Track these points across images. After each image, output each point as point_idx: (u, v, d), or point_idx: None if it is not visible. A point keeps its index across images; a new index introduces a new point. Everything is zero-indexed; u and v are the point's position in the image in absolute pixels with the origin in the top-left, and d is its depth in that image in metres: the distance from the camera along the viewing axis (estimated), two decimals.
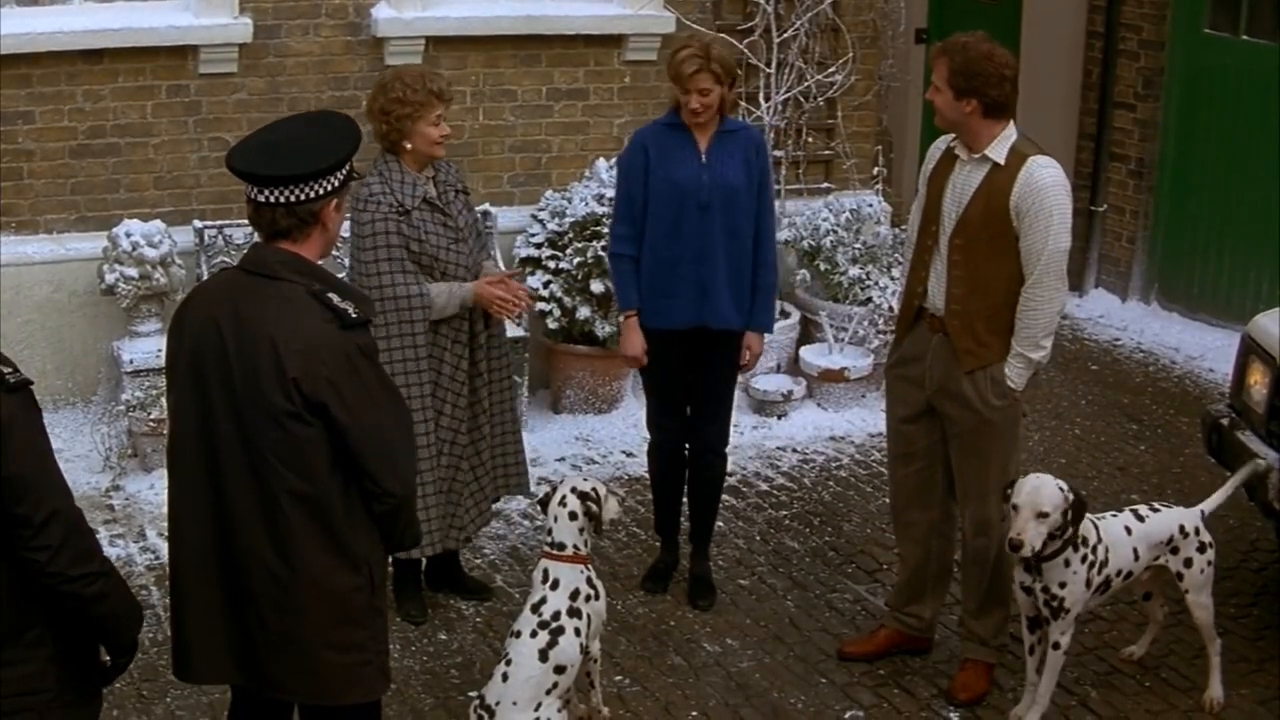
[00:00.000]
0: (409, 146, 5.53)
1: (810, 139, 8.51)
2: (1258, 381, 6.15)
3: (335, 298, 3.78)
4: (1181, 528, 5.52)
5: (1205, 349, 9.30)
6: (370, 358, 3.81)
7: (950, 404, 5.41)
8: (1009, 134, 5.19)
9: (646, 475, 7.22)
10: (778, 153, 8.34)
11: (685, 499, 6.25)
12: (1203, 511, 5.63)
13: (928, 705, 5.56)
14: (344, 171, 3.88)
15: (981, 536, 5.49)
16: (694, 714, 5.43)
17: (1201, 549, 5.52)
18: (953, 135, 5.32)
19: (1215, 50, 9.57)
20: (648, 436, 7.46)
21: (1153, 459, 7.76)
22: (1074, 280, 10.42)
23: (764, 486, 7.20)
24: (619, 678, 5.63)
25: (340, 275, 4.82)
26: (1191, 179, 9.85)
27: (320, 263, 3.94)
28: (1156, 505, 5.68)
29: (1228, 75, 9.50)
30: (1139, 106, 9.99)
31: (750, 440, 7.69)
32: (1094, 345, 9.51)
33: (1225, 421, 6.28)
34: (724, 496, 7.05)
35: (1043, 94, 10.60)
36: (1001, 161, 5.16)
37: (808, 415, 7.94)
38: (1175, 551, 5.50)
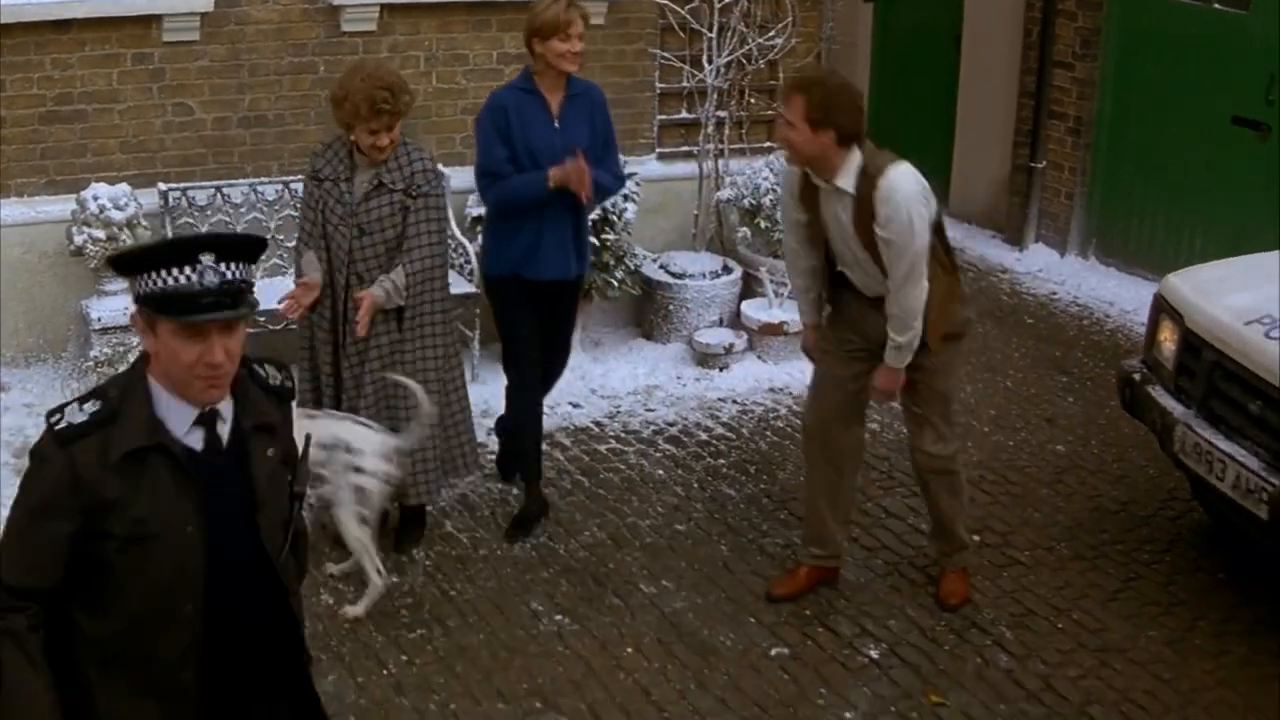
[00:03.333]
0: (353, 139, 5.88)
1: (753, 100, 8.82)
2: (1167, 339, 6.50)
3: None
4: None
5: (1140, 302, 9.56)
6: None
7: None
8: (855, 159, 5.54)
9: (592, 425, 7.61)
10: (720, 113, 8.66)
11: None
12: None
13: (849, 643, 5.93)
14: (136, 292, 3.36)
15: (939, 455, 6.04)
16: (629, 651, 5.81)
17: None
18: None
19: (1151, 11, 9.88)
20: (595, 388, 7.83)
21: (1080, 411, 8.11)
22: (1014, 235, 10.80)
23: (704, 436, 7.56)
24: (559, 617, 5.99)
25: None
26: (1128, 136, 10.18)
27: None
28: None
29: (1164, 35, 9.82)
30: (1077, 66, 10.30)
31: (693, 391, 8.04)
32: (1031, 299, 9.85)
33: (1137, 377, 6.65)
34: (665, 446, 7.44)
35: (984, 53, 10.94)
36: (852, 191, 5.53)
37: (748, 368, 8.30)
38: None
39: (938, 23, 11.40)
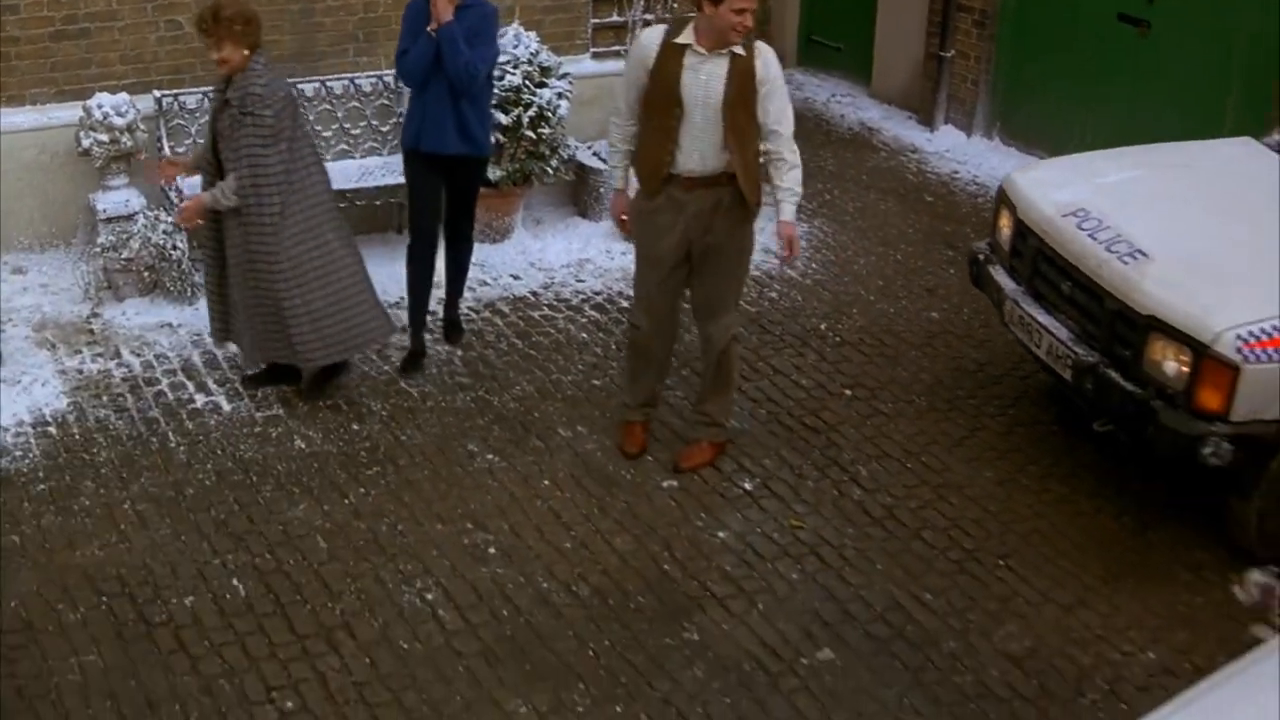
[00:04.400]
0: None
1: (675, 4, 9.92)
2: (1005, 226, 7.71)
3: None
4: None
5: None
6: None
7: (709, 241, 6.86)
8: None
9: (529, 294, 8.86)
10: (647, 15, 9.78)
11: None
12: None
13: (729, 478, 7.22)
14: None
15: (726, 338, 7.08)
16: (546, 483, 7.12)
17: None
18: (663, 33, 6.70)
19: None
20: (533, 261, 9.08)
21: (958, 282, 9.29)
22: (926, 118, 11.96)
23: (624, 304, 8.78)
24: (491, 456, 7.30)
25: None
26: (1028, 28, 11.30)
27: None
28: None
29: None
30: None
31: (619, 264, 9.23)
32: (934, 178, 11.03)
33: (982, 257, 7.88)
34: (591, 313, 8.70)
35: None
36: (744, 53, 6.67)
37: None
38: None
39: None
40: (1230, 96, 9.83)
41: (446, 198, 7.83)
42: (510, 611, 6.22)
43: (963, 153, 11.46)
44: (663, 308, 7.08)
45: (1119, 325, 6.78)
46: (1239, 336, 6.35)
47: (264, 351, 7.46)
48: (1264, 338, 6.35)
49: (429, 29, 7.41)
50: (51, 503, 6.83)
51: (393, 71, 8.90)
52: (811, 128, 11.73)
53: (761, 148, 6.80)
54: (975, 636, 6.26)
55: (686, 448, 7.33)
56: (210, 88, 8.80)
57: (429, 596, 6.28)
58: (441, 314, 8.27)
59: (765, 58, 6.70)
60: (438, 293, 8.31)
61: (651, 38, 6.76)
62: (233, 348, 7.85)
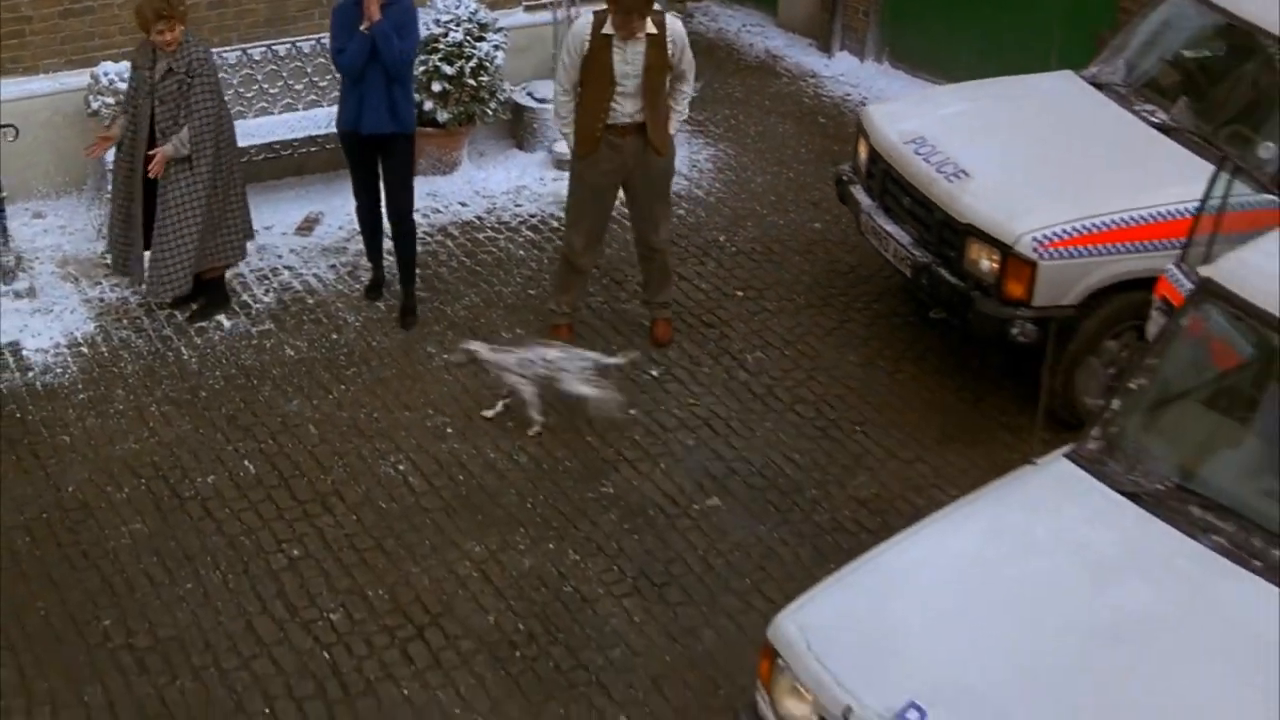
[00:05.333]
0: (151, 38, 8.62)
1: None
2: (862, 151, 9.34)
3: None
4: None
5: None
6: None
7: (644, 171, 8.68)
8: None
9: (474, 219, 10.46)
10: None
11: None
12: None
13: (639, 367, 8.88)
14: None
15: (666, 243, 8.99)
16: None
17: None
18: (590, 25, 8.44)
19: None
20: (478, 190, 10.65)
21: (834, 197, 10.79)
22: (823, 45, 13.51)
23: (555, 225, 10.32)
24: (445, 356, 8.92)
25: None
26: None
27: None
28: None
29: None
30: None
31: (550, 190, 10.73)
32: (828, 101, 12.60)
33: (845, 177, 9.52)
34: (527, 233, 10.31)
35: None
36: (655, 32, 8.33)
37: None
38: None
39: None
40: (1074, 27, 11.42)
41: (384, 178, 9.21)
42: (465, 476, 7.92)
43: (856, 77, 13.02)
44: (597, 231, 8.94)
45: (945, 232, 8.46)
46: (1035, 239, 8.04)
47: (168, 283, 9.00)
48: (1056, 239, 8.04)
49: (362, 28, 8.79)
50: (91, 408, 8.45)
51: None
52: (723, 56, 13.23)
53: (670, 83, 8.67)
54: (833, 486, 7.98)
55: (657, 327, 9.16)
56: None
57: (400, 467, 7.97)
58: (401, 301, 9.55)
59: (673, 34, 8.53)
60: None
61: (582, 31, 8.52)
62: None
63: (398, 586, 7.19)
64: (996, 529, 5.72)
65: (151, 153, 8.74)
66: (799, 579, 7.01)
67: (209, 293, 9.30)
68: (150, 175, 8.78)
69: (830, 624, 5.29)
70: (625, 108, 8.55)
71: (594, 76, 8.54)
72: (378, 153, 9.14)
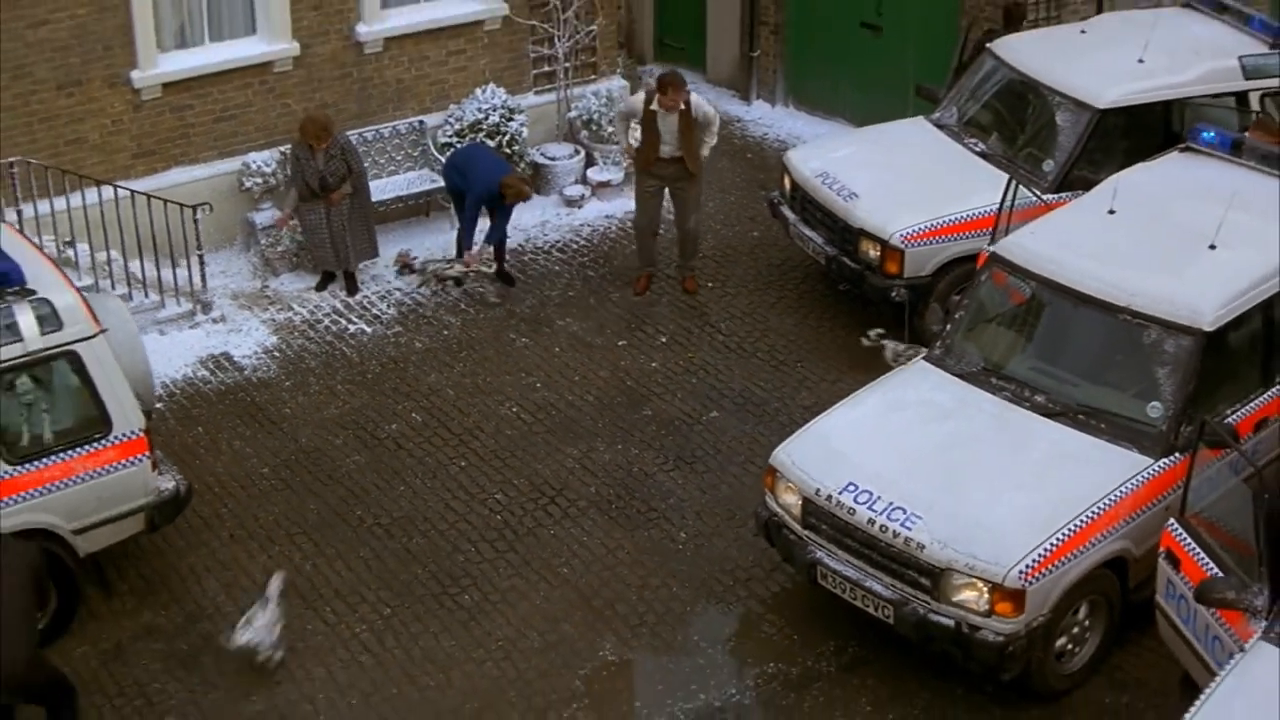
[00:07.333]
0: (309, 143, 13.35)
1: (582, 57, 15.96)
2: (787, 182, 13.93)
3: None
4: None
5: (816, 136, 16.98)
6: None
7: (682, 185, 13.46)
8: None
9: (518, 246, 14.94)
10: (566, 64, 15.80)
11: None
12: None
13: (651, 337, 13.40)
14: None
15: (696, 229, 13.77)
16: (557, 349, 13.24)
17: None
18: (642, 99, 13.13)
19: None
20: (515, 226, 15.14)
21: (765, 212, 15.30)
22: (743, 95, 18.09)
23: (574, 246, 14.84)
24: (525, 340, 13.41)
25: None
26: (805, 34, 17.42)
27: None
28: None
29: None
30: None
31: (566, 222, 15.26)
32: (751, 140, 17.17)
33: (775, 200, 14.12)
34: (555, 253, 14.81)
35: None
36: (684, 108, 12.95)
37: (593, 207, 15.53)
38: None
39: None
40: (925, 78, 16.09)
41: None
42: (555, 411, 12.43)
43: (770, 119, 17.60)
44: (652, 217, 13.87)
45: (846, 234, 13.08)
46: (902, 235, 12.68)
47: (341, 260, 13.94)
48: (914, 234, 12.69)
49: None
50: (297, 390, 12.83)
51: (418, 117, 14.89)
52: None
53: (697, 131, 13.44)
54: (787, 400, 12.58)
55: (687, 281, 14.07)
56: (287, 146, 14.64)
57: (514, 410, 12.47)
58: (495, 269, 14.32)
59: (696, 107, 13.40)
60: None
61: (637, 103, 13.44)
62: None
63: (531, 476, 11.69)
64: (888, 397, 10.38)
65: (332, 195, 13.45)
66: (774, 448, 11.53)
67: (349, 279, 14.01)
68: (332, 204, 13.43)
69: (802, 451, 9.93)
70: (668, 149, 13.34)
71: (647, 131, 13.35)
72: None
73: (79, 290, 10.01)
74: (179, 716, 9.62)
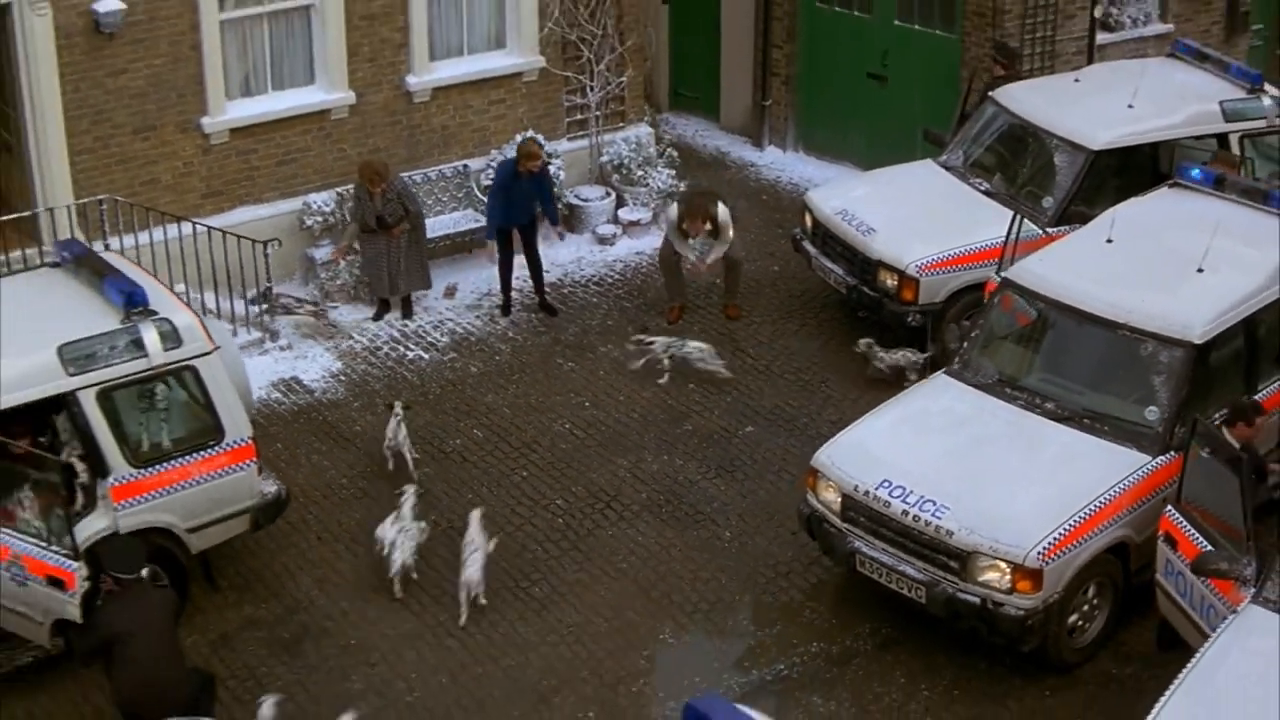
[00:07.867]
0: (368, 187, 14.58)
1: (612, 105, 17.25)
2: (808, 220, 15.21)
3: None
4: None
5: (827, 179, 18.22)
6: None
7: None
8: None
9: (557, 280, 16.18)
10: (597, 112, 17.07)
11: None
12: None
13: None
14: None
15: (739, 269, 14.96)
16: (601, 373, 14.45)
17: None
18: (677, 220, 14.53)
19: (821, 15, 18.41)
20: (554, 263, 16.36)
21: (786, 248, 16.55)
22: (757, 141, 19.37)
23: (609, 280, 16.05)
24: (571, 364, 14.63)
25: None
26: (815, 84, 18.73)
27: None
28: None
29: (830, 27, 18.36)
30: (785, 46, 18.81)
31: (599, 258, 16.50)
32: (767, 183, 18.45)
33: (797, 235, 15.40)
34: (592, 286, 16.05)
35: (734, 34, 19.38)
36: (710, 226, 14.32)
37: (624, 244, 16.81)
38: None
39: (705, 14, 19.72)
40: (930, 122, 17.40)
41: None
42: (604, 427, 13.64)
43: (782, 164, 18.88)
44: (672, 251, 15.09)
45: (864, 264, 14.35)
46: (916, 265, 13.95)
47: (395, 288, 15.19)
48: (928, 264, 13.95)
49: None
50: (364, 410, 14.01)
51: (462, 161, 16.16)
52: (685, 155, 18.89)
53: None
54: (815, 415, 13.80)
55: (729, 310, 15.35)
56: (349, 186, 15.84)
57: (566, 426, 13.67)
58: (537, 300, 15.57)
59: (721, 218, 14.74)
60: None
61: (674, 216, 14.85)
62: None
63: (587, 484, 12.90)
64: (914, 407, 11.64)
65: (394, 229, 14.68)
66: (806, 458, 12.71)
67: (405, 304, 15.24)
68: (393, 237, 14.65)
69: (840, 453, 11.19)
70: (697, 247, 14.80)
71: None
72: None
73: (195, 311, 11.19)
74: (288, 695, 10.74)
